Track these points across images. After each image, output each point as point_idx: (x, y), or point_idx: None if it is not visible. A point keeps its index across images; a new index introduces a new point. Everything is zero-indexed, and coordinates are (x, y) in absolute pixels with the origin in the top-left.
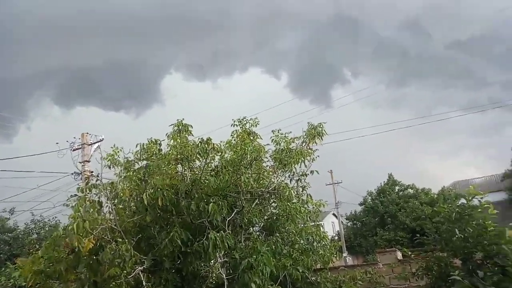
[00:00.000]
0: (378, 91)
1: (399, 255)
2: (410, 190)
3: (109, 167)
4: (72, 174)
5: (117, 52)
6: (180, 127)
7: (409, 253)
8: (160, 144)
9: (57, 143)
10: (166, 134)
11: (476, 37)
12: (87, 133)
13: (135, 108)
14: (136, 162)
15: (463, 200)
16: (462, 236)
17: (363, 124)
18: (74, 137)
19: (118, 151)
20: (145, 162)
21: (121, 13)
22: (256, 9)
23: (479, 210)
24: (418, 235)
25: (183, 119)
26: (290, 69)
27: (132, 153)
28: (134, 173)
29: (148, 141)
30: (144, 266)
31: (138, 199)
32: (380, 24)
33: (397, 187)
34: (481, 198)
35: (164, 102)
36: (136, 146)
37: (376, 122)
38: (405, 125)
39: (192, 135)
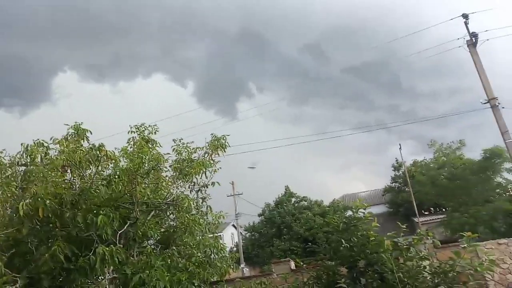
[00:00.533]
0: (280, 107)
1: (293, 265)
2: (304, 202)
3: None
4: None
5: (3, 45)
6: (77, 131)
7: (301, 263)
8: (47, 148)
9: None
10: (51, 138)
11: (368, 63)
12: None
13: (19, 107)
14: (14, 166)
15: (350, 212)
16: (348, 245)
17: (265, 137)
18: None
19: None
20: (23, 167)
21: (13, 5)
22: (165, 16)
23: (364, 221)
24: (310, 244)
25: (81, 122)
26: (196, 78)
27: (10, 156)
28: (10, 179)
29: (34, 143)
30: (18, 286)
31: (14, 209)
32: (285, 43)
33: (293, 199)
34: (365, 210)
35: (55, 102)
36: (21, 146)
37: (277, 136)
38: (303, 140)
39: (88, 141)
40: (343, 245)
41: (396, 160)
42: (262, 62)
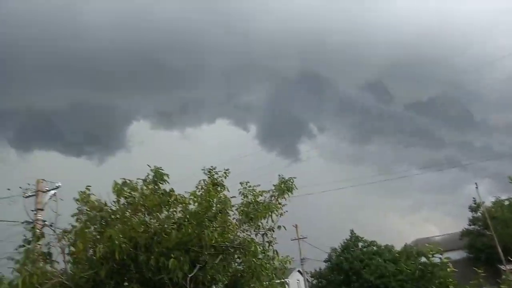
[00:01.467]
0: (341, 147)
1: None
2: (373, 247)
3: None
4: (23, 223)
5: (82, 96)
6: (156, 175)
7: None
8: (132, 188)
9: (8, 189)
10: (138, 179)
11: (435, 98)
12: (42, 179)
13: (98, 154)
14: (94, 211)
15: (424, 259)
16: None
17: (327, 178)
18: (28, 183)
19: (87, 197)
20: (103, 210)
21: (91, 56)
22: (226, 62)
23: (441, 268)
24: None
25: (160, 167)
26: (258, 121)
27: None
28: (89, 223)
29: (122, 182)
30: None
31: (93, 252)
32: (345, 81)
33: (360, 243)
34: (441, 255)
35: (130, 149)
36: (114, 184)
37: (339, 177)
38: (366, 181)
39: (168, 183)
40: None
41: (474, 200)
42: (322, 102)
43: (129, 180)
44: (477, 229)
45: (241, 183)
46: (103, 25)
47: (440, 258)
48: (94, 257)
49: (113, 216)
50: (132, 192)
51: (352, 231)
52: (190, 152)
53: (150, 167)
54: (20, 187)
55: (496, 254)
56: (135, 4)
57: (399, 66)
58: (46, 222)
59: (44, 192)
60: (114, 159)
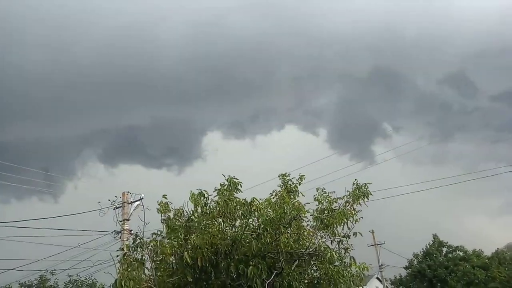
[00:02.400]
0: (420, 147)
1: None
2: (459, 252)
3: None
4: (111, 232)
5: (161, 112)
6: (230, 183)
7: None
8: (207, 198)
9: (99, 202)
10: (215, 189)
11: None
12: (128, 191)
13: (176, 166)
14: (178, 219)
15: None
16: None
17: (404, 181)
18: (116, 196)
19: (167, 208)
20: (186, 218)
21: (167, 72)
22: (295, 68)
23: None
24: None
25: (234, 176)
26: (328, 125)
27: (174, 209)
28: (175, 230)
29: (198, 192)
30: None
31: (178, 257)
32: (422, 77)
33: (444, 249)
34: None
35: (205, 158)
36: (190, 196)
37: (418, 179)
38: (449, 182)
39: (241, 192)
40: None
41: None
42: (397, 101)
43: (205, 190)
44: None
45: (317, 189)
46: (176, 42)
47: None
48: (181, 263)
49: (193, 224)
50: (208, 202)
51: (435, 236)
52: (261, 160)
53: (224, 176)
54: (108, 200)
55: None
56: (206, 16)
57: (482, 55)
58: (132, 231)
59: (129, 203)
60: (192, 169)
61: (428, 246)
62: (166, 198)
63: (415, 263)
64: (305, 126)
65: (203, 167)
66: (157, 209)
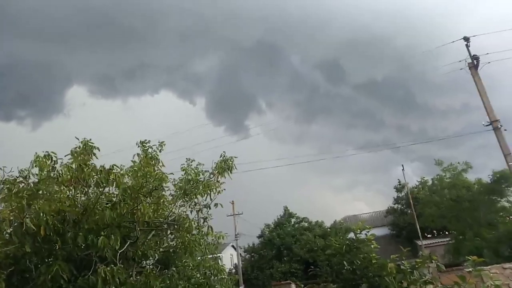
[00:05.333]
0: (286, 125)
1: (294, 287)
2: (305, 223)
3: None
4: None
5: (16, 48)
6: (86, 147)
7: (303, 285)
8: (55, 162)
9: None
10: (65, 156)
11: (384, 79)
12: None
13: (30, 119)
14: (22, 181)
15: (352, 234)
16: (351, 268)
17: (269, 156)
18: None
19: None
20: (32, 180)
21: (32, 4)
22: (182, 24)
23: (366, 243)
24: (312, 267)
25: (90, 139)
26: (207, 93)
27: (19, 170)
28: (16, 194)
29: (44, 155)
30: None
31: (16, 224)
32: (299, 57)
33: (293, 220)
34: (368, 232)
35: (68, 114)
36: (34, 157)
37: (280, 155)
38: (304, 160)
39: (96, 158)
40: (345, 268)
41: (399, 182)
42: (273, 77)
43: (52, 152)
44: (400, 207)
45: (187, 159)
46: None
47: (366, 234)
48: (19, 231)
49: (38, 188)
50: (57, 166)
51: (285, 208)
52: (132, 122)
53: (78, 139)
54: None
55: (415, 232)
56: None
57: (354, 45)
58: None
59: None
60: (51, 125)
61: (279, 217)
62: None
63: (267, 232)
64: (182, 92)
65: (66, 124)
66: None
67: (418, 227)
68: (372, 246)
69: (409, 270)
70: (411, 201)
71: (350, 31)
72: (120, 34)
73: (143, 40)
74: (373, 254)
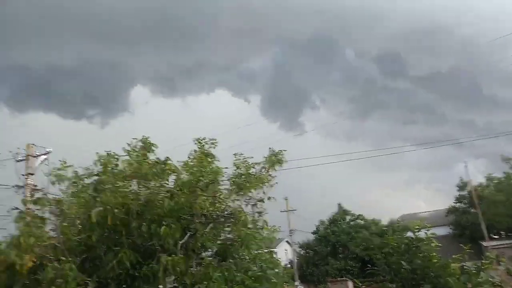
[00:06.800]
0: (341, 121)
1: (350, 285)
2: (360, 221)
3: (53, 183)
4: (13, 187)
5: (86, 50)
6: (145, 144)
7: (360, 284)
8: (117, 159)
9: None
10: (124, 148)
11: (446, 71)
12: (33, 144)
13: (100, 117)
14: (87, 177)
15: (410, 233)
16: (410, 268)
17: (322, 152)
18: (19, 148)
19: (66, 166)
20: (96, 177)
21: (99, 6)
22: (237, 20)
23: (425, 242)
24: (369, 265)
25: (148, 136)
26: (261, 90)
27: (83, 168)
28: (84, 189)
29: (107, 154)
30: None
31: (86, 216)
32: (356, 50)
33: (348, 217)
34: (427, 231)
35: (133, 112)
36: (96, 156)
37: (335, 151)
38: (359, 156)
39: (154, 154)
40: (403, 267)
41: (461, 179)
42: (328, 72)
43: (114, 152)
44: (462, 207)
45: (234, 154)
46: None
47: (425, 233)
48: (88, 222)
49: (104, 181)
50: (118, 163)
51: (339, 205)
52: (192, 118)
53: (136, 138)
54: (10, 151)
55: (480, 232)
56: None
57: (415, 35)
58: (37, 187)
59: (34, 157)
60: (118, 122)
61: (334, 214)
62: (63, 166)
63: (322, 229)
64: (237, 91)
65: (131, 122)
66: (53, 169)
67: (483, 226)
68: (432, 245)
69: (474, 271)
70: (475, 200)
71: (411, 21)
72: (179, 34)
73: (200, 40)
74: (434, 254)
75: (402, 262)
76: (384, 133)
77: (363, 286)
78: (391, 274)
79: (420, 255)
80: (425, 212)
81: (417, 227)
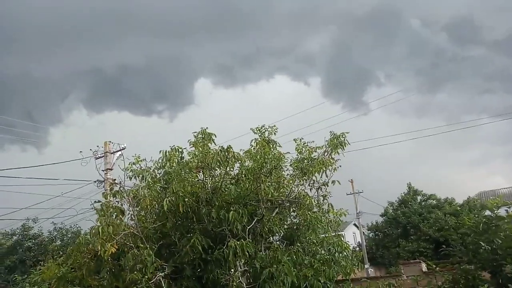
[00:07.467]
0: (408, 97)
1: (424, 267)
2: (432, 201)
3: (130, 178)
4: (95, 182)
5: (150, 48)
6: (204, 135)
7: (434, 265)
8: (181, 152)
9: (80, 151)
10: (188, 141)
11: None
12: (110, 141)
13: (168, 112)
14: (157, 170)
15: (488, 212)
16: (490, 248)
17: (388, 131)
18: (97, 146)
19: (140, 161)
20: (165, 169)
21: (156, 10)
22: (291, 4)
23: (506, 221)
24: (443, 246)
25: (206, 127)
26: (321, 72)
27: (153, 161)
28: (155, 180)
29: (171, 148)
30: (165, 272)
31: (159, 206)
32: (423, 18)
33: (419, 197)
34: (508, 208)
35: (199, 104)
36: (160, 152)
37: (402, 129)
38: (429, 133)
39: (215, 144)
40: (483, 247)
41: None
42: (392, 46)
43: (178, 146)
44: None
45: (295, 140)
46: None
47: (506, 210)
48: (160, 211)
49: (173, 171)
50: (182, 156)
51: (409, 184)
52: (253, 107)
53: (195, 132)
54: (90, 149)
55: None
56: None
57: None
58: (115, 180)
59: (111, 153)
60: (185, 115)
61: (403, 195)
62: (137, 160)
63: (391, 210)
64: (296, 75)
65: (197, 114)
66: (129, 163)
67: None
68: None
69: None
70: None
71: None
72: (235, 23)
73: (256, 26)
74: None
75: (481, 242)
76: (458, 106)
77: (438, 268)
78: (468, 255)
79: (501, 234)
80: (505, 188)
81: (497, 204)
